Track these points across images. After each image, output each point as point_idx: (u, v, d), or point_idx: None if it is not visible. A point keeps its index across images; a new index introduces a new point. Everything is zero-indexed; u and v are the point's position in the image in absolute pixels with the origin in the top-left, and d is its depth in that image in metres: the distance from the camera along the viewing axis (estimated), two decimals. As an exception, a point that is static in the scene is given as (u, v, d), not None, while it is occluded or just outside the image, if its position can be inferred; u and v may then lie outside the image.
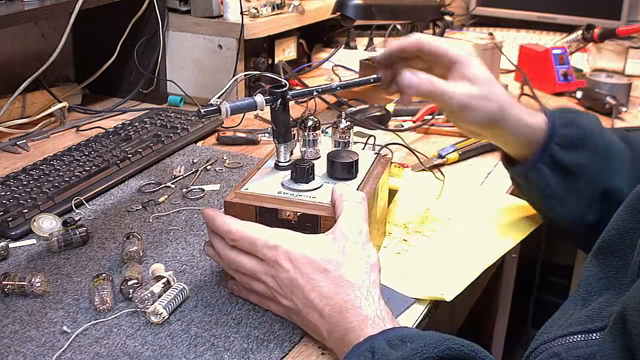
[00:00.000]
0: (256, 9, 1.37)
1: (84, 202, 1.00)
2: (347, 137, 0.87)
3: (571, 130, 0.85)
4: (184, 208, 1.00)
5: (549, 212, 0.90)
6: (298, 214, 0.75)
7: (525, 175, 0.88)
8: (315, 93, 0.86)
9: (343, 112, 0.95)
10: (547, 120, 0.85)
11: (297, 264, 0.69)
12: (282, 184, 0.79)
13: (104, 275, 0.79)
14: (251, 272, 0.73)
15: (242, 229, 0.73)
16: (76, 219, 0.95)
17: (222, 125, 1.30)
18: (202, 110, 0.76)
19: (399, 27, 1.90)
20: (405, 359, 0.59)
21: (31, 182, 1.02)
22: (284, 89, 0.80)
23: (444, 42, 0.85)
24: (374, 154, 0.89)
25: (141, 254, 0.85)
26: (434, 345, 0.59)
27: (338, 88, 0.87)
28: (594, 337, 0.60)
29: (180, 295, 0.77)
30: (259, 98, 0.78)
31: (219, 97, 0.78)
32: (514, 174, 0.92)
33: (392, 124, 1.31)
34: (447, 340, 0.60)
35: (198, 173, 1.11)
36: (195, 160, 1.16)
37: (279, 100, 0.79)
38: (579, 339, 0.61)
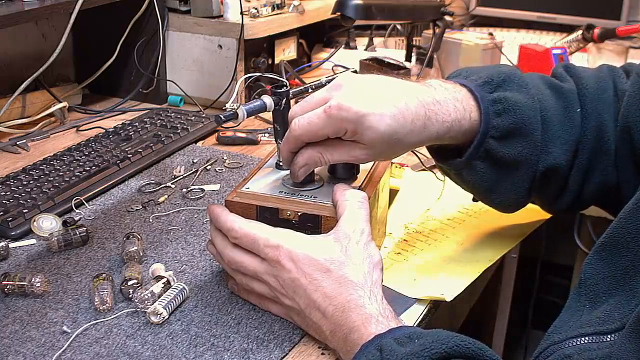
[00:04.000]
0: (256, 9, 1.37)
1: (84, 202, 1.00)
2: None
3: (506, 119, 0.77)
4: (184, 208, 1.00)
5: (486, 200, 0.86)
6: (299, 213, 0.75)
7: (458, 171, 0.83)
8: (310, 90, 0.88)
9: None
10: (478, 110, 0.77)
11: (300, 264, 0.69)
12: (283, 184, 0.79)
13: (104, 275, 0.79)
14: (252, 271, 0.73)
15: (244, 227, 0.73)
16: (76, 219, 0.95)
17: (222, 125, 1.29)
18: (221, 117, 0.77)
19: (399, 27, 1.90)
20: (413, 355, 0.59)
21: (31, 182, 1.02)
22: (287, 89, 0.80)
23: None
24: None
25: (141, 254, 0.85)
26: (441, 342, 0.59)
27: (327, 83, 0.89)
28: (606, 339, 0.59)
29: (180, 295, 0.77)
30: (268, 99, 0.79)
31: (233, 102, 0.79)
32: (447, 169, 0.85)
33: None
34: (454, 338, 0.60)
35: (198, 173, 1.11)
36: (195, 160, 1.16)
37: (283, 101, 0.80)
38: (590, 341, 0.60)
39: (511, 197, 0.83)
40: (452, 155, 0.82)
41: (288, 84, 0.82)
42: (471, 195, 0.89)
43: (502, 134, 0.78)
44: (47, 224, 0.91)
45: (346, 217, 0.72)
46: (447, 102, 0.76)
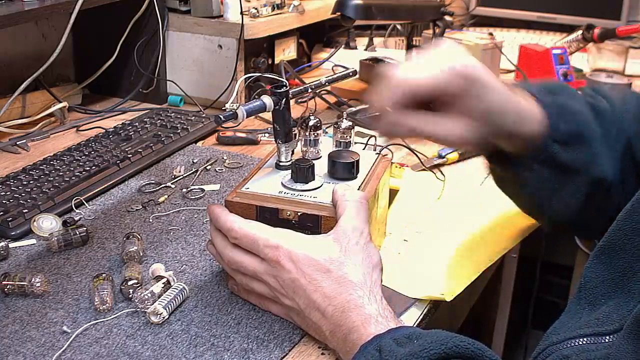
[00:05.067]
0: (256, 9, 1.37)
1: (84, 202, 1.00)
2: (348, 137, 0.87)
3: (571, 125, 0.77)
4: (184, 208, 1.00)
5: (540, 208, 0.85)
6: (299, 213, 0.75)
7: (518, 174, 0.82)
8: (310, 90, 0.89)
9: (344, 112, 0.95)
10: (544, 114, 0.77)
11: (299, 264, 0.69)
12: (283, 184, 0.79)
13: (104, 275, 0.79)
14: (252, 272, 0.73)
15: (244, 227, 0.73)
16: (76, 219, 0.95)
17: (222, 125, 1.29)
18: (221, 117, 0.77)
19: (399, 27, 1.90)
20: (412, 355, 0.59)
21: (31, 182, 1.02)
22: (287, 89, 0.80)
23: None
24: (375, 154, 0.89)
25: (141, 254, 0.85)
26: (441, 342, 0.59)
27: (327, 83, 0.90)
28: (604, 340, 0.60)
29: (180, 295, 0.77)
30: (267, 100, 0.79)
31: (233, 102, 0.79)
32: (504, 172, 0.85)
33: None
34: (454, 338, 0.60)
35: (198, 173, 1.11)
36: (195, 160, 1.16)
37: (283, 101, 0.80)
38: (588, 342, 0.60)
39: (566, 203, 0.81)
40: (508, 161, 0.81)
41: (288, 84, 0.82)
42: (471, 195, 0.89)
43: (566, 139, 0.78)
44: (47, 224, 0.91)
45: (346, 217, 0.72)
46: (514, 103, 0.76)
